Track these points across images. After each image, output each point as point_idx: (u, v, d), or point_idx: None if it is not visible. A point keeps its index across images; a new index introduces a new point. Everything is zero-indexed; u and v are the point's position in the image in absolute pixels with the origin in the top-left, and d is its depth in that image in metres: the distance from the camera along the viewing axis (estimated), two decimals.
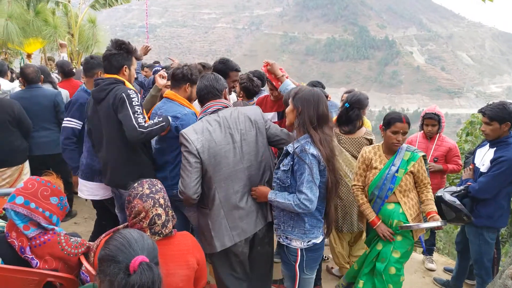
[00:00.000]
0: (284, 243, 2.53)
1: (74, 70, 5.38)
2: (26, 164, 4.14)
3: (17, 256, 2.12)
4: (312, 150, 2.30)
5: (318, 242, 2.53)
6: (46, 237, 2.16)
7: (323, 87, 3.98)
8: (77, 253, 2.20)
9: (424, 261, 4.47)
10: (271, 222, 2.67)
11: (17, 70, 7.56)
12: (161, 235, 2.02)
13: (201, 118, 2.54)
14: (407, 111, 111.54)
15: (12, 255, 2.12)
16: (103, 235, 2.18)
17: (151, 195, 2.03)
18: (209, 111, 2.53)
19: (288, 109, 2.52)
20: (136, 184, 2.09)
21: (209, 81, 2.57)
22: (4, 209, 2.14)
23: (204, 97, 2.57)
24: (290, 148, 2.39)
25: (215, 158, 2.41)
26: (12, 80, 5.56)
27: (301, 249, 2.48)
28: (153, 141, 3.01)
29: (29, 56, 7.57)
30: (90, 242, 2.28)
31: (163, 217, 2.02)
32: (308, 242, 2.48)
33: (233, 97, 4.51)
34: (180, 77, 2.98)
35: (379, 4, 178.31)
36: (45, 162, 4.28)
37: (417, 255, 4.66)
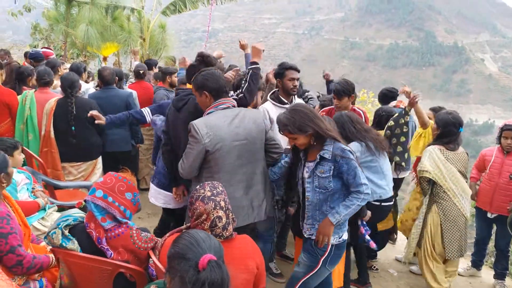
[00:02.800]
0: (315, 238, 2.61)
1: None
2: (99, 159, 4.39)
3: (94, 246, 2.29)
4: (345, 146, 2.51)
5: (346, 238, 2.67)
6: (120, 230, 2.32)
7: (397, 94, 4.19)
8: (147, 247, 2.34)
9: (495, 286, 4.17)
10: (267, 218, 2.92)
11: (93, 71, 8.18)
12: (222, 238, 2.07)
13: (211, 113, 2.74)
14: (475, 122, 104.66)
15: (89, 244, 2.30)
16: (168, 234, 2.28)
17: (212, 197, 2.08)
18: (220, 107, 2.74)
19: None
20: (198, 186, 2.17)
21: (223, 80, 2.79)
22: (85, 201, 2.36)
23: (219, 93, 2.76)
24: (326, 154, 2.51)
25: (220, 152, 2.66)
26: (87, 81, 5.99)
27: (332, 245, 2.59)
28: None
29: (104, 59, 8.14)
30: (158, 239, 2.42)
31: (224, 219, 2.08)
32: (339, 238, 2.61)
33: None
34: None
35: (448, 8, 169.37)
36: (116, 159, 4.51)
37: (487, 277, 4.38)
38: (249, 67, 3.04)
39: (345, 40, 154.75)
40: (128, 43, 10.23)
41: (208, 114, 2.75)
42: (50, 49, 6.92)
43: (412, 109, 3.84)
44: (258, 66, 3.03)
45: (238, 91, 3.04)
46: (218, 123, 2.67)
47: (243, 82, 3.04)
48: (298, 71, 3.56)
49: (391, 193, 3.42)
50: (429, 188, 3.60)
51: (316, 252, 2.61)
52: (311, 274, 2.64)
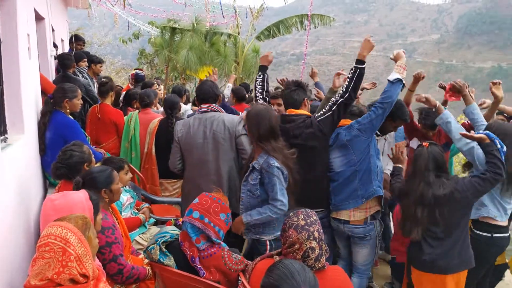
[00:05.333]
0: (254, 237, 2.88)
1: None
2: None
3: (187, 263, 2.38)
4: (276, 163, 2.68)
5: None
6: (213, 250, 2.38)
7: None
8: (237, 269, 2.37)
9: None
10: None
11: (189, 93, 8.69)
12: (314, 269, 2.02)
13: (191, 115, 3.40)
14: None
15: (184, 262, 2.39)
16: (258, 258, 2.29)
17: (306, 226, 2.05)
18: (200, 111, 3.27)
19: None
20: (291, 213, 2.14)
21: (211, 87, 3.32)
22: (182, 222, 2.46)
23: (202, 100, 3.29)
24: (256, 165, 2.75)
25: (188, 146, 3.22)
26: (186, 103, 6.39)
27: (269, 240, 2.85)
28: None
29: (201, 81, 8.59)
30: (249, 261, 2.44)
31: (317, 250, 2.03)
32: (273, 236, 2.85)
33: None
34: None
35: None
36: None
37: None
38: (355, 65, 3.02)
39: (440, 63, 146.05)
40: (223, 66, 10.74)
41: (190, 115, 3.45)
42: (141, 69, 7.59)
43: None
44: (364, 66, 3.02)
45: (342, 92, 3.01)
46: (191, 123, 3.21)
47: (347, 79, 3.02)
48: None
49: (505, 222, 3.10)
50: None
51: (259, 250, 2.88)
52: None
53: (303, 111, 3.13)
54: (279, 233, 2.68)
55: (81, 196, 2.18)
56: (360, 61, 2.99)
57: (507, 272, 3.93)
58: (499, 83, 3.39)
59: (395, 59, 3.11)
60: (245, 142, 3.16)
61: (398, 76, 2.95)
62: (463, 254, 2.84)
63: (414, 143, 3.81)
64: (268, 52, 3.65)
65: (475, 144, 2.87)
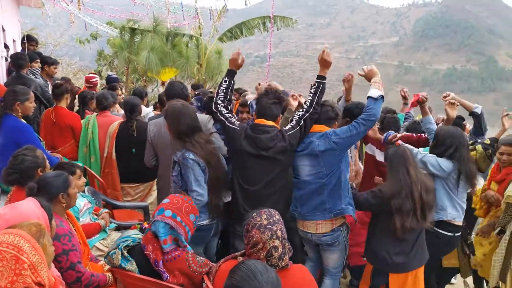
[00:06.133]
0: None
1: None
2: (155, 181, 4.49)
3: (150, 268, 2.33)
4: (191, 156, 2.81)
5: (204, 223, 2.94)
6: (176, 253, 2.35)
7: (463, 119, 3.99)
8: (202, 272, 2.34)
9: None
10: None
11: (149, 96, 8.54)
12: (278, 268, 2.03)
13: (156, 117, 3.55)
14: None
15: (147, 266, 2.34)
16: (222, 260, 2.27)
17: (269, 226, 2.05)
18: None
19: None
20: (254, 213, 2.14)
21: (180, 88, 3.54)
22: (152, 222, 2.41)
23: (173, 99, 3.23)
24: (175, 158, 2.89)
25: (161, 145, 3.35)
26: (147, 105, 6.27)
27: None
28: None
29: (163, 83, 8.50)
30: (213, 264, 2.41)
31: (280, 249, 2.04)
32: (200, 223, 2.87)
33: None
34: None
35: (511, 32, 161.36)
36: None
37: None
38: (318, 81, 3.05)
39: (399, 65, 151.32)
40: (186, 68, 10.63)
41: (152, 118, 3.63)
42: (94, 73, 7.40)
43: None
44: (325, 81, 3.08)
45: (306, 106, 3.03)
46: (162, 123, 3.24)
47: (310, 94, 3.05)
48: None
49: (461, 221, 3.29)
50: None
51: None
52: None
53: (274, 124, 3.04)
54: (205, 222, 2.93)
55: (31, 204, 2.09)
56: (322, 77, 3.05)
57: (459, 276, 4.10)
58: (456, 103, 3.59)
59: (368, 75, 3.12)
60: (216, 139, 3.19)
61: (380, 93, 2.97)
62: (420, 251, 3.01)
63: (369, 148, 3.92)
64: (236, 53, 3.26)
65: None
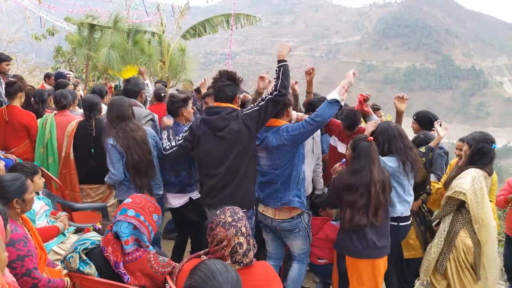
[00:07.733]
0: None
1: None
2: None
3: (111, 270, 2.27)
4: (111, 141, 3.30)
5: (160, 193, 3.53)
6: (138, 253, 2.30)
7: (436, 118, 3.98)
8: (164, 272, 2.31)
9: None
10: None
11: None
12: (242, 264, 2.02)
13: None
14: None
15: (107, 269, 2.28)
16: (185, 259, 2.23)
17: (233, 223, 2.04)
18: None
19: None
20: (218, 211, 2.12)
21: (130, 86, 4.24)
22: (114, 223, 2.33)
23: (127, 95, 3.93)
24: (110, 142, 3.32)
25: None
26: (145, 104, 6.02)
27: (119, 200, 3.47)
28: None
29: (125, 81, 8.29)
30: (176, 263, 2.38)
31: (245, 246, 2.03)
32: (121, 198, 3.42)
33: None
34: None
35: (465, 32, 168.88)
36: None
37: None
38: (278, 65, 3.02)
39: (362, 63, 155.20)
40: (148, 66, 10.40)
41: None
42: (72, 71, 7.12)
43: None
44: (286, 63, 3.02)
45: (271, 90, 2.99)
46: None
47: (274, 79, 3.01)
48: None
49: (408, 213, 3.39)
50: (452, 210, 3.44)
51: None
52: None
53: (231, 105, 3.03)
54: (124, 197, 3.16)
55: None
56: (281, 60, 3.02)
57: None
58: (405, 98, 3.72)
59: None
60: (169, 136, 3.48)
61: (336, 97, 2.99)
62: (386, 240, 3.11)
63: (333, 139, 4.02)
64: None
65: None
